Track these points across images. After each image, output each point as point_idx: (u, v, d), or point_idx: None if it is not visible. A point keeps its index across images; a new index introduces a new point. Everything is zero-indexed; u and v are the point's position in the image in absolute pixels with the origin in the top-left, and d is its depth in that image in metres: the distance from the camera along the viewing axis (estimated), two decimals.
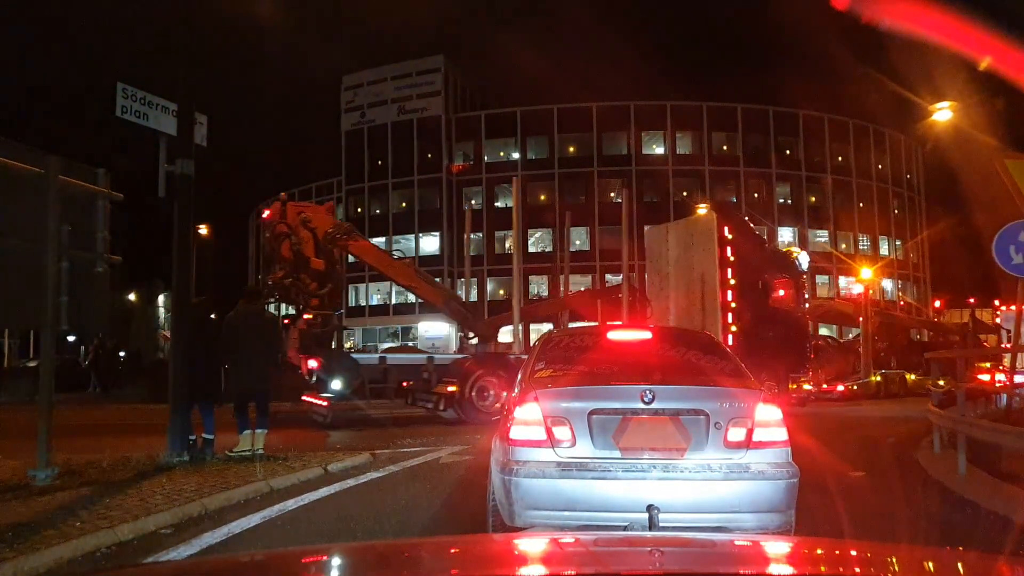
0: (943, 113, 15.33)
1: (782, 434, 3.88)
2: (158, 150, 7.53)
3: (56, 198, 6.05)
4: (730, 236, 14.08)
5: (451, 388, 12.60)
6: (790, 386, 15.03)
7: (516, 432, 3.90)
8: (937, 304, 28.35)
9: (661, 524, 3.56)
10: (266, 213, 14.04)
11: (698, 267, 14.28)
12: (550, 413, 3.86)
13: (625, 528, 3.67)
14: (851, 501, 5.95)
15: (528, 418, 3.88)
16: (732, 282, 13.77)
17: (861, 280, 23.49)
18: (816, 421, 13.09)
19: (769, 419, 3.88)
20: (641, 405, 3.82)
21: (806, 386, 16.13)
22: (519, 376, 4.63)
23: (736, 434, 3.81)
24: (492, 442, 4.51)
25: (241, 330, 7.84)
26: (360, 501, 5.95)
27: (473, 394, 12.63)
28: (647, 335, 5.06)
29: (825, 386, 16.86)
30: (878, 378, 21.03)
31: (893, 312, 24.27)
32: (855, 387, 20.18)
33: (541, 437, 3.84)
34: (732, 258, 13.92)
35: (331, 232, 13.85)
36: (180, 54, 7.34)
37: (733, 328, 13.83)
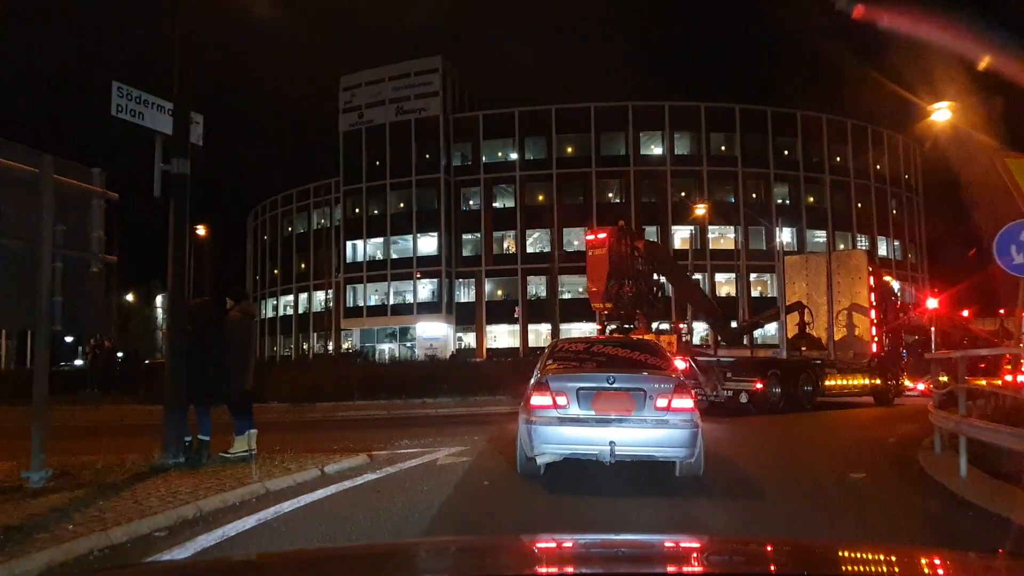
0: (942, 113, 15.30)
1: (689, 403, 6.26)
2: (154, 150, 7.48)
3: (50, 197, 6.00)
4: (871, 269, 18.09)
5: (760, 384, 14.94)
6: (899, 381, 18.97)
7: (535, 400, 6.36)
8: (966, 313, 29.56)
9: (617, 452, 6.03)
10: (602, 235, 16.37)
11: (847, 293, 17.98)
12: (554, 390, 6.31)
13: (596, 456, 6.14)
14: (852, 504, 5.92)
15: (542, 392, 6.34)
16: (875, 304, 17.80)
17: (934, 296, 26.86)
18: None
19: (681, 394, 6.26)
20: (607, 385, 6.30)
21: (907, 382, 19.69)
22: (537, 366, 7.11)
23: (661, 402, 6.18)
24: (519, 407, 6.80)
25: (251, 331, 7.86)
26: (356, 503, 5.89)
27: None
28: (616, 343, 8.60)
29: (909, 383, 19.95)
30: (944, 379, 24.41)
31: (958, 321, 27.21)
32: (932, 386, 22.88)
33: (549, 403, 6.28)
34: (874, 286, 17.86)
35: (660, 255, 16.96)
36: (176, 52, 7.28)
37: (876, 339, 17.72)
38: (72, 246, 6.38)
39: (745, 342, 19.75)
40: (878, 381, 17.65)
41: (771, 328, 23.34)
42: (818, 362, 16.80)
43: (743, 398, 14.71)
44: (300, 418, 14.77)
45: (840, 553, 2.06)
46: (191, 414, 7.54)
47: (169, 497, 5.51)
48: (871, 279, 17.91)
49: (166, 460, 6.92)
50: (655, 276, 16.79)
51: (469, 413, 15.60)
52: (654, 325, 16.36)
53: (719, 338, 18.50)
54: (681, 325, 16.32)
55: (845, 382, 17.05)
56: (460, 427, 12.03)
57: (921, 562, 1.95)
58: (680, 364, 13.54)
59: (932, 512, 5.73)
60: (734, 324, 21.93)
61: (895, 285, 20.44)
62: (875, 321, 17.78)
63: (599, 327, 16.46)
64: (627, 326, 15.96)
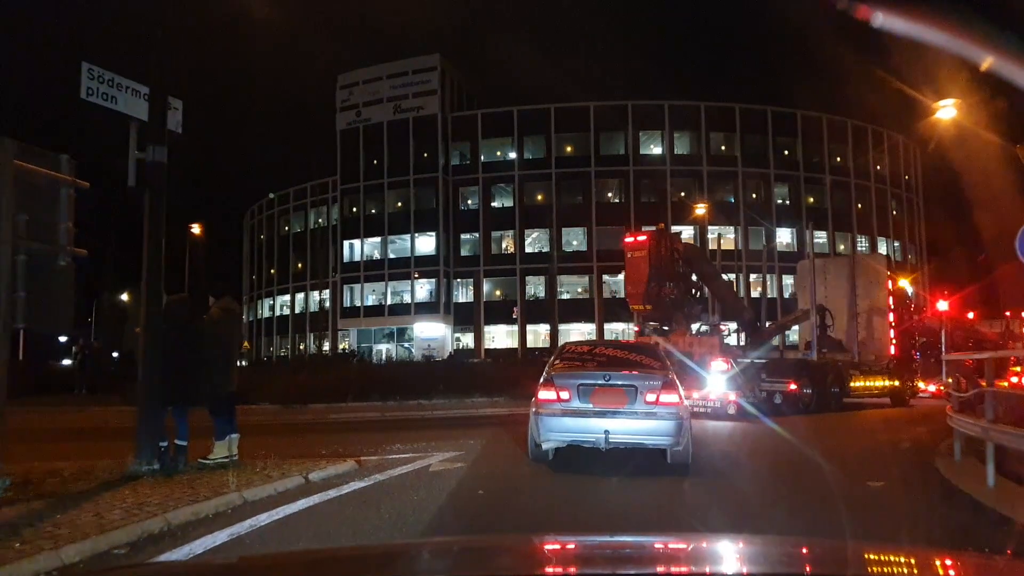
0: (947, 110, 14.98)
1: (675, 398, 7.08)
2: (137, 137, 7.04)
3: (11, 185, 5.56)
4: (889, 274, 18.80)
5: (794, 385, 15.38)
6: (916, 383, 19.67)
7: (542, 395, 7.25)
8: (971, 315, 29.87)
9: (611, 439, 6.90)
10: (641, 237, 16.41)
11: (866, 296, 18.35)
12: (558, 386, 7.19)
13: (593, 443, 7.02)
14: (873, 516, 5.50)
15: (548, 388, 7.23)
16: (893, 307, 18.38)
17: (944, 299, 27.59)
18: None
19: (668, 390, 7.08)
20: (603, 382, 7.17)
21: (920, 384, 20.11)
22: (547, 365, 7.86)
23: (651, 397, 7.01)
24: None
25: (233, 330, 7.47)
26: (340, 515, 5.46)
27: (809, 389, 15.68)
28: (618, 345, 9.72)
29: (921, 385, 20.30)
30: (951, 380, 24.76)
31: (966, 323, 27.90)
32: (942, 387, 23.26)
33: (554, 397, 7.15)
34: (892, 290, 18.50)
35: (699, 257, 17.14)
36: (151, 31, 6.85)
37: (894, 341, 18.25)
38: (37, 238, 5.95)
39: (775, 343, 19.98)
40: (896, 383, 18.28)
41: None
42: (842, 364, 17.22)
43: (777, 399, 15.09)
44: (290, 420, 14.31)
45: (844, 553, 2.02)
46: (169, 418, 7.12)
47: (135, 509, 5.07)
48: (889, 283, 18.56)
49: (139, 467, 6.47)
50: (693, 278, 17.10)
51: (465, 415, 15.15)
52: (694, 326, 16.40)
53: (747, 340, 18.59)
54: (723, 327, 16.37)
55: (868, 383, 17.56)
56: (455, 430, 11.59)
57: (925, 563, 1.92)
58: (723, 366, 13.95)
59: (964, 525, 5.29)
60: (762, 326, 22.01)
61: (909, 289, 21.16)
62: (893, 324, 18.36)
63: (636, 328, 16.80)
64: (665, 327, 16.05)
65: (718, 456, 9.30)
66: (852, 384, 17.01)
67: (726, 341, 16.02)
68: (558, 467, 7.72)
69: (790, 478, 7.24)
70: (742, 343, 17.95)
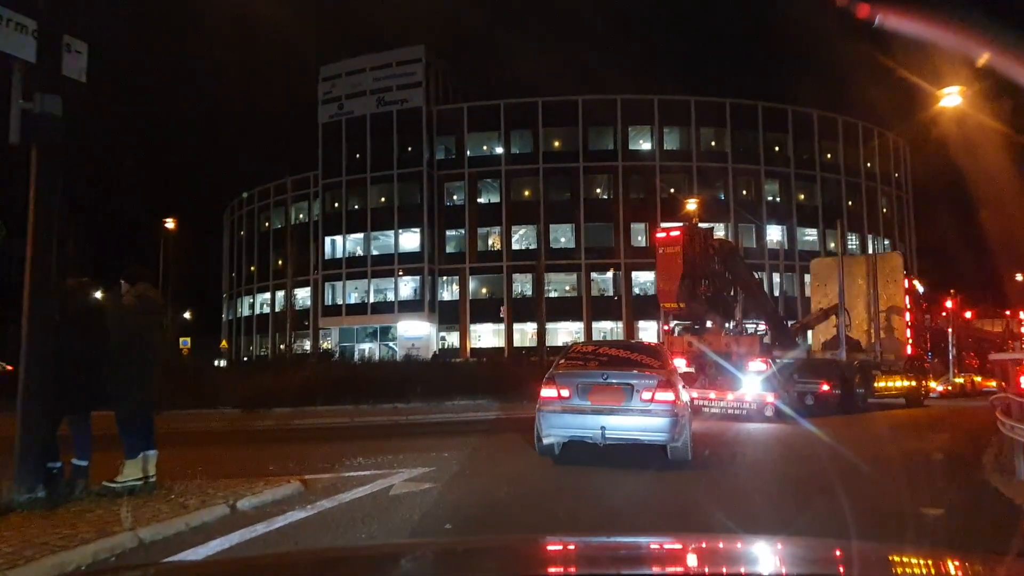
0: (951, 99, 14.30)
1: (671, 396, 7.42)
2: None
3: None
4: (904, 272, 18.78)
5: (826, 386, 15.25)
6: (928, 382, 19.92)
7: (544, 392, 7.69)
8: (969, 314, 29.71)
9: (608, 435, 7.36)
10: (675, 233, 15.50)
11: (886, 295, 18.20)
12: (560, 384, 7.65)
13: (591, 439, 7.50)
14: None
15: (551, 386, 7.67)
16: (909, 306, 18.28)
17: (951, 298, 27.87)
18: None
19: (664, 388, 7.42)
20: (601, 380, 7.61)
21: (931, 383, 20.22)
22: (553, 364, 8.33)
23: (646, 395, 7.40)
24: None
25: (150, 323, 6.13)
26: (259, 564, 4.16)
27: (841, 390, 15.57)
28: (621, 346, 10.42)
29: (933, 384, 20.56)
30: (961, 380, 25.22)
31: (968, 322, 28.23)
32: (949, 387, 23.77)
33: (555, 395, 7.62)
34: (907, 289, 18.41)
35: (732, 253, 16.96)
36: None
37: (911, 340, 18.24)
38: None
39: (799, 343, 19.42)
40: (913, 383, 18.36)
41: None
42: (867, 364, 17.13)
43: (808, 399, 14.85)
44: (247, 427, 12.91)
45: (849, 554, 1.93)
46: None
47: None
48: (906, 283, 18.52)
49: (18, 496, 5.12)
50: (727, 275, 16.50)
51: (444, 420, 13.87)
52: (728, 325, 15.69)
53: (776, 340, 17.91)
54: (761, 327, 16.02)
55: (889, 384, 17.60)
56: (430, 439, 10.31)
57: (924, 563, 1.87)
58: (761, 366, 13.57)
59: None
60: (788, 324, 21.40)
61: (920, 288, 20.98)
62: (909, 324, 18.39)
63: (666, 327, 16.25)
64: (697, 326, 15.45)
65: (755, 464, 8.45)
66: (876, 384, 16.87)
67: (765, 341, 15.48)
68: (555, 491, 6.54)
69: (846, 502, 6.01)
70: (772, 343, 17.18)
